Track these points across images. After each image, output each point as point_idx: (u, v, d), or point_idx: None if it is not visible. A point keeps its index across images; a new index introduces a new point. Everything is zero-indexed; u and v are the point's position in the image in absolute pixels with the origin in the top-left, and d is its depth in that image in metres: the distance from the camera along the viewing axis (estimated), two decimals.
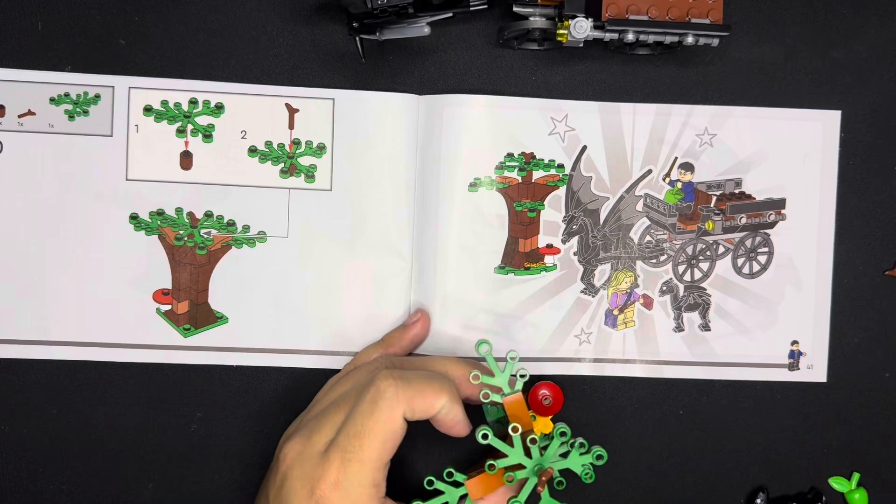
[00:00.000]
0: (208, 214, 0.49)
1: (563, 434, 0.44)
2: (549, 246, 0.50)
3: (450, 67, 0.49)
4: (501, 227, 0.49)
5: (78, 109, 0.48)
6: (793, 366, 0.50)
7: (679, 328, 0.50)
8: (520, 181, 0.49)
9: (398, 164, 0.49)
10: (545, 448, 0.44)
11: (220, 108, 0.48)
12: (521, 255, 0.49)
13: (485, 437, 0.42)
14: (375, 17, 0.44)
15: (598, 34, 0.45)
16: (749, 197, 0.50)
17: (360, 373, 0.45)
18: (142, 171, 0.48)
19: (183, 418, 0.49)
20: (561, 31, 0.45)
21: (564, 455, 0.44)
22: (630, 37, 0.44)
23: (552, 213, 0.49)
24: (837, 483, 0.51)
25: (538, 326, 0.49)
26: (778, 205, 0.50)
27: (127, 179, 0.48)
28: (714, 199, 0.50)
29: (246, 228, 0.47)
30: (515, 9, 0.46)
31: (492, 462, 0.43)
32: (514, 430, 0.42)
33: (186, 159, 0.49)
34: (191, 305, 0.49)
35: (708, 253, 0.50)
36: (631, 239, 0.50)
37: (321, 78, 0.49)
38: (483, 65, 0.49)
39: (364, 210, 0.49)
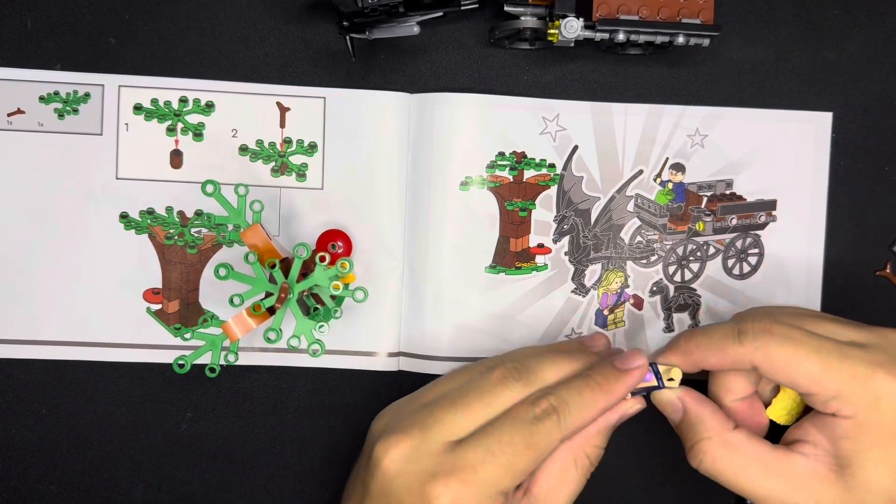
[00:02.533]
0: (198, 213, 0.49)
1: (321, 258, 0.42)
2: (540, 245, 0.49)
3: (441, 66, 0.49)
4: (492, 227, 0.49)
5: (68, 108, 0.48)
6: None
7: (669, 328, 0.50)
8: (511, 180, 0.49)
9: (389, 163, 0.49)
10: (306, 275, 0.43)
11: (210, 106, 0.48)
12: (512, 255, 0.49)
13: (223, 274, 0.42)
14: (366, 16, 0.44)
15: (588, 34, 0.44)
16: (740, 198, 0.50)
17: (474, 369, 0.42)
18: (132, 170, 0.48)
19: (173, 418, 0.49)
20: (552, 31, 0.45)
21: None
22: (621, 37, 0.44)
23: (543, 212, 0.49)
24: None
25: (529, 326, 0.49)
26: (769, 206, 0.50)
27: (117, 178, 0.48)
28: (705, 199, 0.50)
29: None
30: (506, 8, 0.46)
31: (236, 295, 0.41)
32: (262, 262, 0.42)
33: (176, 158, 0.48)
34: (181, 305, 0.49)
35: (698, 254, 0.50)
36: (622, 239, 0.50)
37: (312, 76, 0.49)
38: (474, 64, 0.49)
39: (355, 209, 0.49)
